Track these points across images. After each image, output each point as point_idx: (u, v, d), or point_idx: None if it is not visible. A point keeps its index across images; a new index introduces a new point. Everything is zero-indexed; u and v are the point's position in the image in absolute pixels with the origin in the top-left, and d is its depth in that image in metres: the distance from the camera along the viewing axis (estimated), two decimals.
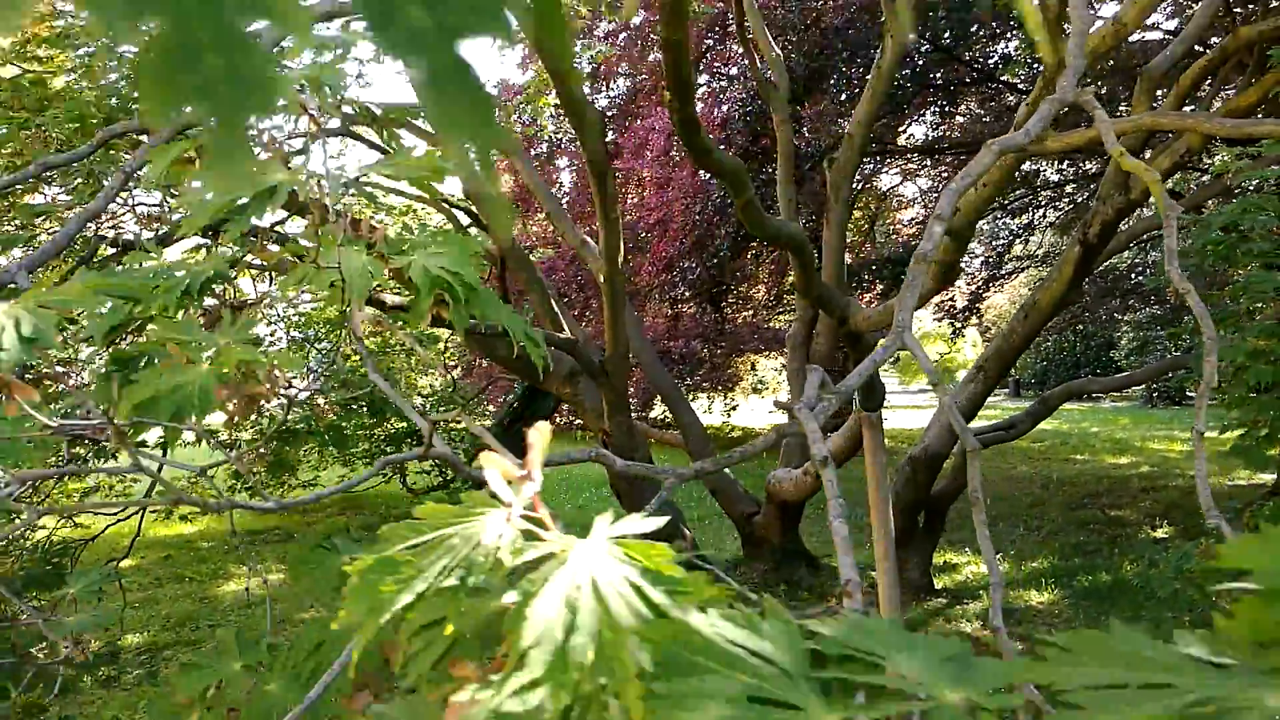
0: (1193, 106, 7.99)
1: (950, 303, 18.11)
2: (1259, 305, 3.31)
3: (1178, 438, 14.35)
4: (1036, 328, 5.89)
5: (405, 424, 10.91)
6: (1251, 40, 4.39)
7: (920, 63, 12.30)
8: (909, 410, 24.60)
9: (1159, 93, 5.40)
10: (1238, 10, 8.23)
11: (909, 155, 17.87)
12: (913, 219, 19.73)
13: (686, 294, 15.43)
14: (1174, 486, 11.82)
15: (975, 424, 7.09)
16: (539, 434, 0.87)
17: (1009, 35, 12.99)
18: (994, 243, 17.99)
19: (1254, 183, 5.89)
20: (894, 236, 19.79)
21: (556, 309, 7.62)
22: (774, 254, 17.02)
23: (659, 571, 0.75)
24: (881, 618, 0.78)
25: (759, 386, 24.55)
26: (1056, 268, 5.65)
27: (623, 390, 6.82)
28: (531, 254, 19.79)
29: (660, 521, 0.81)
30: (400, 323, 5.71)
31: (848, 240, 19.05)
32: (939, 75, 13.34)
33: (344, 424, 10.82)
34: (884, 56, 6.45)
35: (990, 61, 12.37)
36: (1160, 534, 8.98)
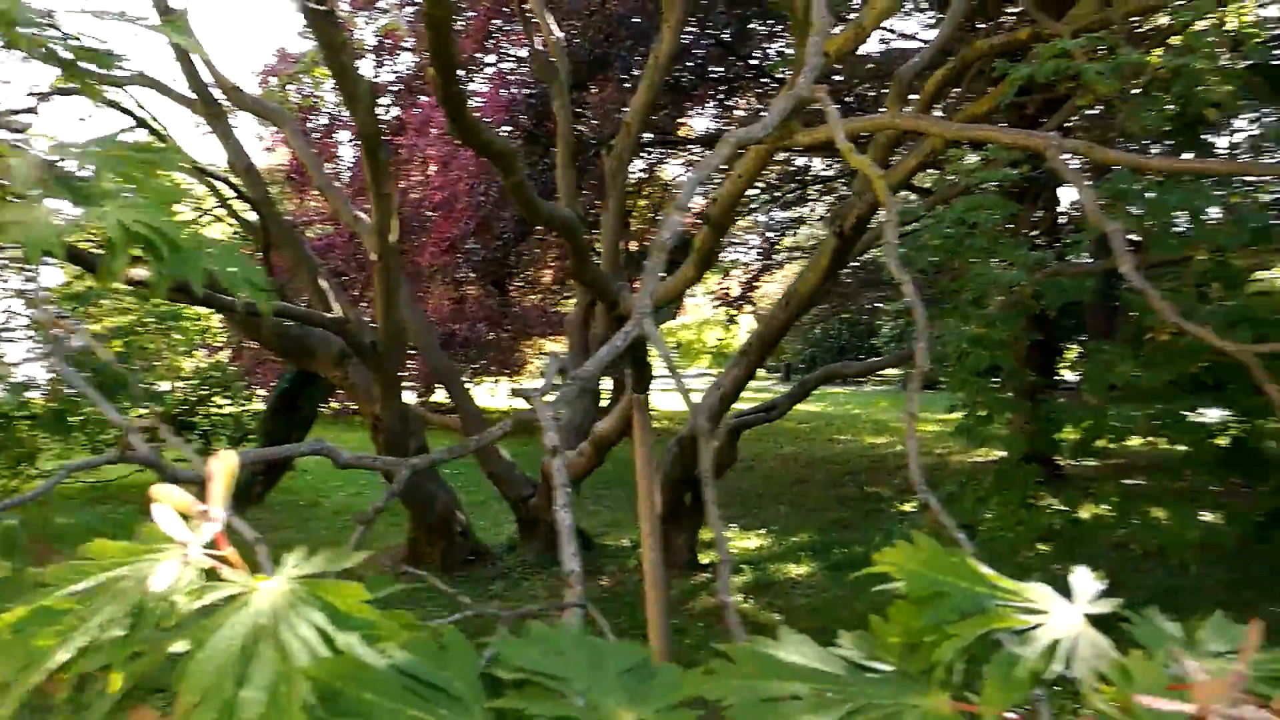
0: (941, 111, 8.58)
1: (726, 291, 18.80)
2: (982, 296, 3.63)
3: (929, 419, 15.54)
4: (795, 314, 6.18)
5: (168, 404, 10.14)
6: (984, 52, 4.76)
7: (701, 56, 12.63)
8: (691, 393, 25.32)
9: (914, 97, 5.78)
10: (981, 25, 8.95)
11: (690, 146, 18.32)
12: (694, 208, 20.24)
13: (471, 276, 15.18)
14: (924, 464, 12.77)
15: (740, 406, 7.37)
16: (222, 464, 0.80)
17: (784, 33, 13.58)
18: (767, 234, 18.78)
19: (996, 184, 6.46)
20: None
21: (326, 287, 7.29)
22: (560, 237, 17.05)
23: (349, 614, 0.70)
24: (568, 630, 0.75)
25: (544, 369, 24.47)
26: (814, 258, 5.95)
27: (395, 373, 6.62)
28: (307, 231, 18.90)
29: (358, 558, 0.76)
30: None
31: (633, 228, 19.43)
32: (719, 70, 13.75)
33: (68, 408, 9.93)
34: (660, 46, 6.55)
35: (767, 57, 12.85)
36: (909, 508, 9.69)
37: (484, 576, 7.15)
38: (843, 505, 10.31)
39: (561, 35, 7.21)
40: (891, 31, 12.65)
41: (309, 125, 17.17)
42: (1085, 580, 0.61)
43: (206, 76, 6.84)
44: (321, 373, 7.22)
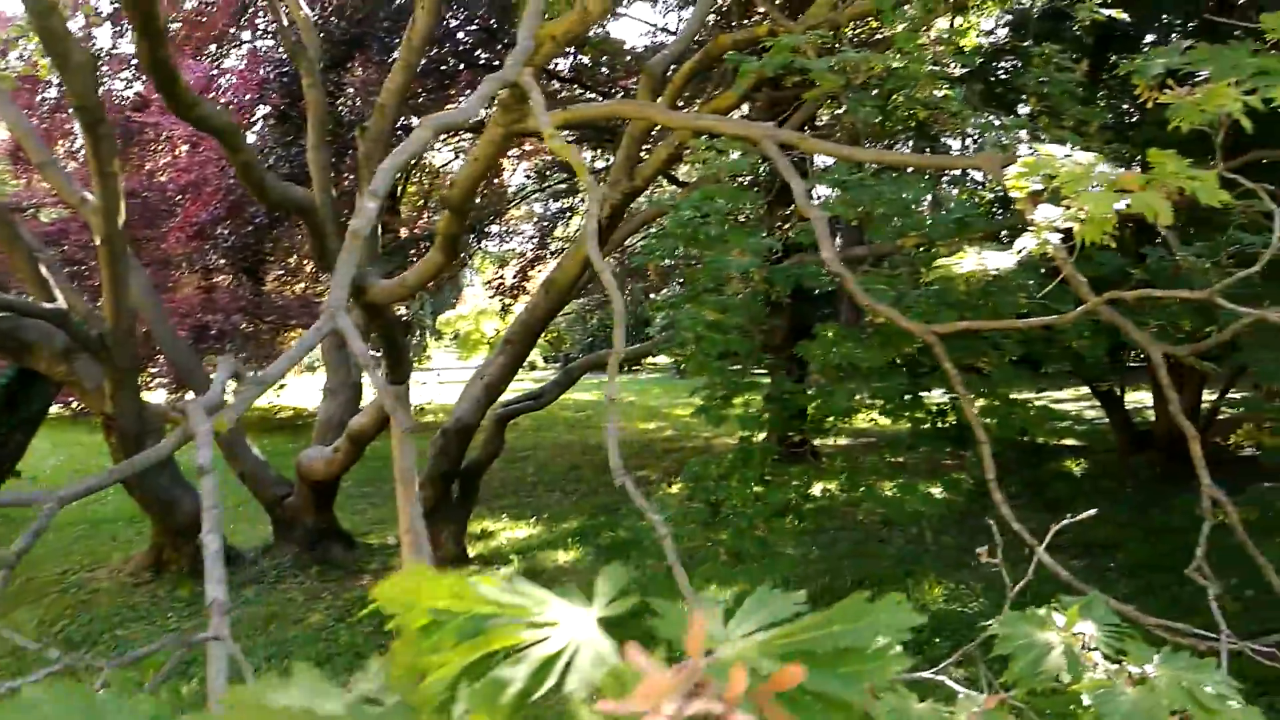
0: (685, 104, 8.86)
1: (501, 280, 18.71)
2: (721, 284, 3.79)
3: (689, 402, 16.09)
4: (557, 303, 6.21)
5: None
6: (727, 47, 4.95)
7: (466, 41, 12.44)
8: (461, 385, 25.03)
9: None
10: (733, 24, 9.30)
11: (461, 133, 18.05)
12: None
13: (221, 262, 14.29)
14: (691, 448, 13.20)
15: (507, 395, 7.34)
16: None
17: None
18: (540, 223, 18.85)
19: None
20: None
21: (48, 275, 6.65)
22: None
23: None
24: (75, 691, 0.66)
25: (313, 364, 23.59)
26: (573, 247, 6.01)
27: (128, 367, 6.13)
28: (39, 214, 17.16)
29: None
30: None
31: (403, 215, 18.91)
32: (486, 55, 13.60)
33: None
34: (414, 28, 6.39)
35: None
36: (674, 490, 9.98)
37: (234, 582, 6.74)
38: (612, 491, 10.48)
39: (309, 12, 6.89)
40: (654, 26, 12.89)
41: (37, 98, 15.64)
42: (613, 578, 0.61)
43: None
44: (43, 369, 6.57)
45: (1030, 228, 1.91)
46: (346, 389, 7.19)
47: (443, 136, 18.14)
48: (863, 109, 3.43)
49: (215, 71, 13.74)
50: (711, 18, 8.39)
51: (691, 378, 3.67)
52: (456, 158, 20.34)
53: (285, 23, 6.87)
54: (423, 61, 12.54)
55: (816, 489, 4.31)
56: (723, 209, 3.38)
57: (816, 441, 10.55)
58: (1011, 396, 3.82)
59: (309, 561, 7.09)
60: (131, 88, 16.95)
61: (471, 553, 7.51)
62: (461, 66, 12.88)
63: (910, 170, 3.87)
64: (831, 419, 3.92)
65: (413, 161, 19.13)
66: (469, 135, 18.27)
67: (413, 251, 18.24)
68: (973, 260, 1.98)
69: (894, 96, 3.61)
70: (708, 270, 3.36)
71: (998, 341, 3.48)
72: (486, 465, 7.39)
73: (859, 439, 12.99)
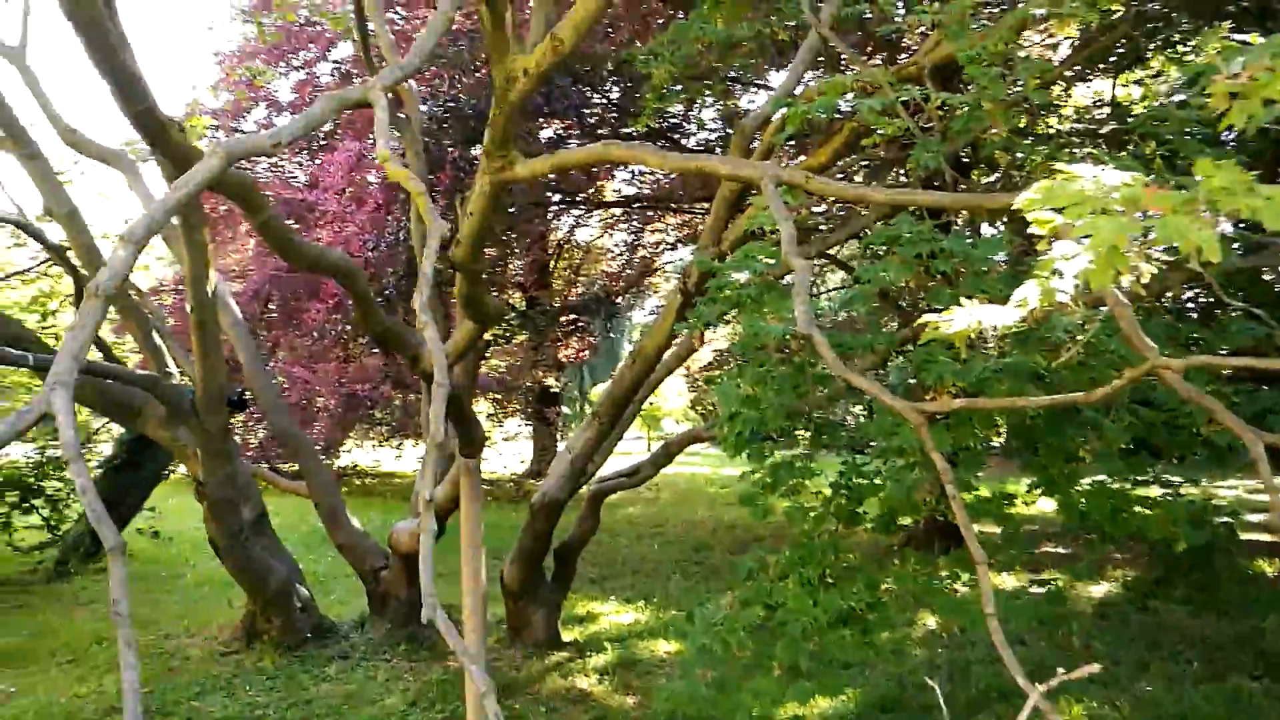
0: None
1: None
2: (759, 350, 3.38)
3: None
4: (643, 373, 5.86)
5: (6, 474, 9.47)
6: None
7: (593, 118, 12.47)
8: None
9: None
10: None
11: (613, 209, 18.18)
12: (611, 271, 20.05)
13: (357, 337, 14.69)
14: (768, 534, 12.35)
15: (602, 471, 6.99)
16: None
17: (688, 93, 13.50)
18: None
19: None
20: (592, 281, 20.05)
21: (161, 343, 6.84)
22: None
23: None
24: None
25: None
26: (661, 315, 5.66)
27: (219, 433, 6.14)
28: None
29: None
30: None
31: (555, 286, 19.15)
32: (629, 130, 13.62)
33: None
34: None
35: (667, 122, 12.68)
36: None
37: (322, 656, 6.60)
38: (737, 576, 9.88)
39: (414, 85, 6.93)
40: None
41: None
42: None
43: (33, 116, 6.46)
44: (150, 434, 6.70)
45: (1040, 273, 1.41)
46: (443, 461, 7.02)
47: (591, 210, 18.33)
48: (926, 154, 2.95)
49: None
50: (811, 77, 7.98)
51: (732, 459, 3.20)
52: (604, 233, 20.55)
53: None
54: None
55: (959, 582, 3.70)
56: (761, 269, 2.95)
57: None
58: (1127, 490, 3.16)
59: (400, 639, 6.88)
60: (303, 168, 18.05)
61: (566, 637, 7.12)
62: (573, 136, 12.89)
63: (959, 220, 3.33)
64: (904, 511, 3.35)
65: (561, 239, 19.44)
66: (619, 210, 18.42)
67: (562, 320, 18.40)
68: (965, 317, 1.49)
69: (966, 134, 3.11)
70: (745, 339, 2.93)
71: (1096, 423, 2.86)
72: (581, 544, 7.02)
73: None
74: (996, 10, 6.06)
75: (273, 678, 6.15)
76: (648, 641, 7.18)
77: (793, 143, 9.41)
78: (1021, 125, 3.34)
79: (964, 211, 3.05)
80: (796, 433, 3.53)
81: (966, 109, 2.97)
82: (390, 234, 12.58)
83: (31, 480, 9.52)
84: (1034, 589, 8.11)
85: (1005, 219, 3.55)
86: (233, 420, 9.59)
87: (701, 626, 3.64)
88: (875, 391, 1.72)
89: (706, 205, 16.39)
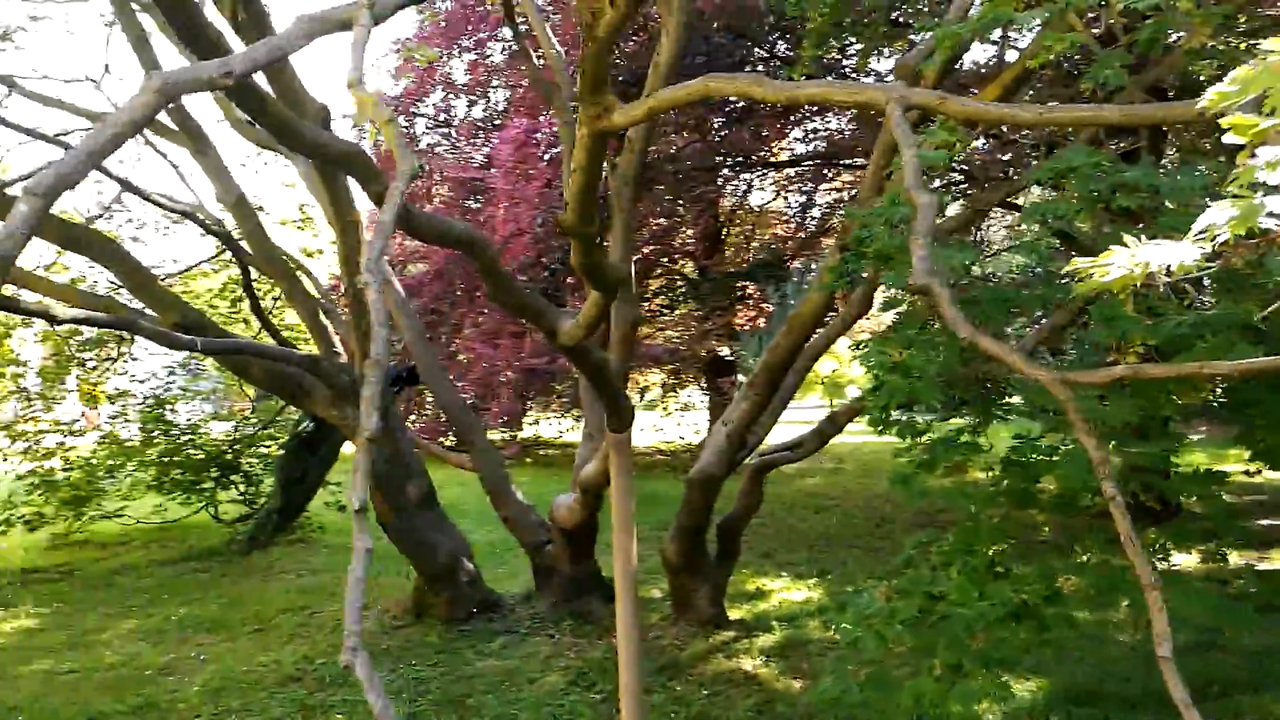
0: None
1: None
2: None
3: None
4: (800, 341, 5.48)
5: (210, 448, 10.11)
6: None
7: (769, 73, 11.98)
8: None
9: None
10: None
11: (774, 169, 17.63)
12: (784, 234, 19.47)
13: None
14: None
15: (769, 441, 6.67)
16: None
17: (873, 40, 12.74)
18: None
19: None
20: (765, 245, 19.53)
21: (327, 323, 7.01)
22: (634, 264, 16.58)
23: None
24: None
25: (651, 403, 24.26)
26: (818, 275, 5.27)
27: (380, 410, 6.21)
28: (407, 268, 19.08)
29: None
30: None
31: (726, 252, 18.80)
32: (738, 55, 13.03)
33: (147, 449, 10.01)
34: (660, 54, 6.02)
35: (835, 73, 12.05)
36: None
37: (487, 631, 6.63)
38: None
39: (561, 50, 6.75)
40: None
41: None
42: None
43: (206, 111, 6.73)
44: (319, 413, 6.90)
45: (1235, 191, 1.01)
46: (601, 434, 6.89)
47: (763, 172, 17.81)
48: (1106, 71, 2.46)
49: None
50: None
51: (879, 434, 2.83)
52: (778, 195, 19.96)
53: (538, 63, 6.80)
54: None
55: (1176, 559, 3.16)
56: (907, 215, 2.56)
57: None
58: None
59: (565, 614, 6.83)
60: (482, 150, 18.44)
61: (733, 615, 6.87)
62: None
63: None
64: (1083, 494, 2.88)
65: (734, 204, 19.00)
66: (792, 170, 17.82)
67: (741, 287, 18.06)
68: (1125, 259, 1.11)
69: (1156, 45, 2.57)
70: (889, 298, 2.56)
71: None
72: (744, 520, 6.74)
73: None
74: None
75: (439, 652, 6.22)
76: (820, 621, 6.83)
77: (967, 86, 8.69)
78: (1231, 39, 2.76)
79: (1142, 129, 2.53)
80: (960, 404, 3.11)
81: (1157, 12, 2.46)
82: (558, 207, 12.58)
83: (230, 457, 10.12)
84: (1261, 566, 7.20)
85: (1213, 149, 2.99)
86: (400, 396, 9.86)
87: (853, 617, 3.29)
88: (1010, 359, 1.36)
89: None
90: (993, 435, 3.22)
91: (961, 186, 11.16)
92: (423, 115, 19.30)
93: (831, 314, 7.00)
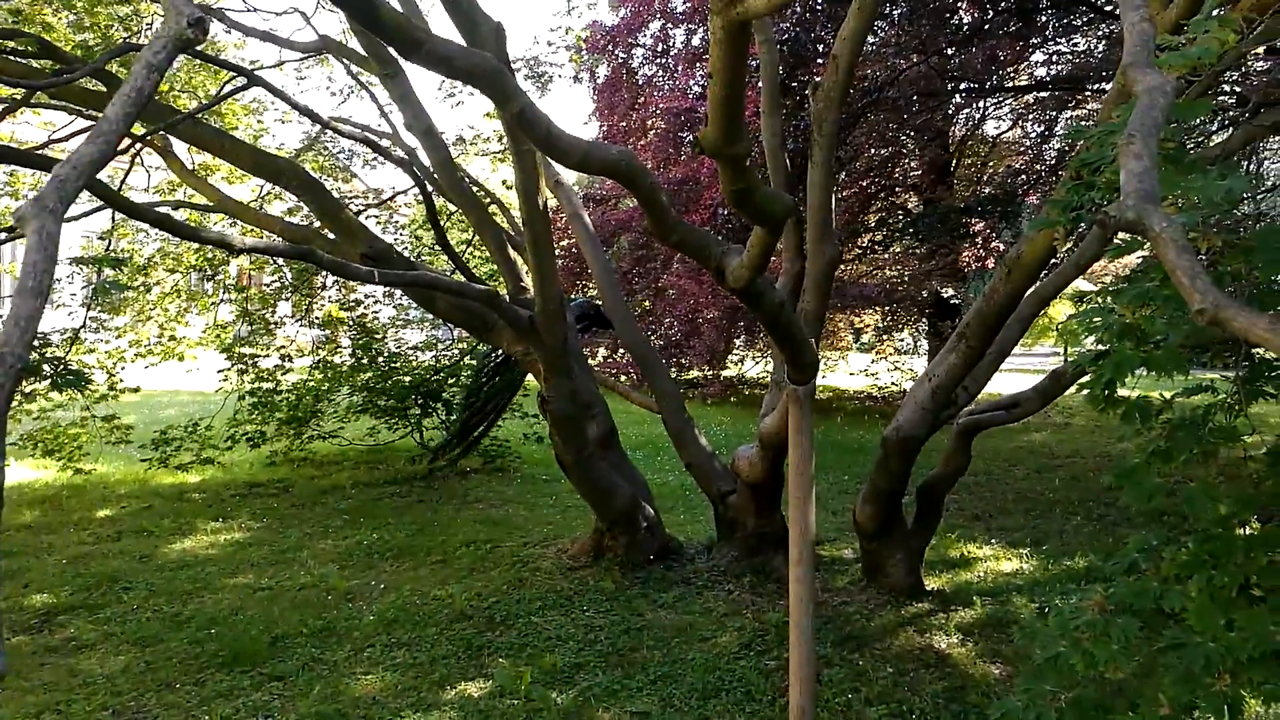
0: None
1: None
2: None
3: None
4: (1022, 286, 4.75)
5: (415, 377, 10.38)
6: None
7: None
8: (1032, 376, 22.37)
9: None
10: None
11: (1024, 95, 16.09)
12: (1021, 166, 17.85)
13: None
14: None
15: (987, 392, 5.95)
16: None
17: None
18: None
19: None
20: (1000, 179, 17.99)
21: (515, 257, 6.87)
22: (848, 197, 15.70)
23: None
24: None
25: (866, 346, 23.41)
26: (1044, 214, 4.50)
27: (558, 348, 6.01)
28: (617, 204, 19.07)
29: None
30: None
31: (955, 186, 17.49)
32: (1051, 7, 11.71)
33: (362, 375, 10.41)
34: None
35: None
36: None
37: (665, 579, 6.37)
38: (1142, 523, 8.27)
39: None
40: None
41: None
42: None
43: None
44: (505, 348, 6.80)
45: None
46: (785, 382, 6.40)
47: (998, 98, 16.27)
48: None
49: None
50: None
51: (1102, 414, 2.22)
52: (1015, 124, 18.32)
53: None
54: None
55: None
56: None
57: None
58: None
59: (746, 569, 6.47)
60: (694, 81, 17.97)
61: (930, 585, 6.27)
62: (1014, 20, 11.22)
63: None
64: None
65: (965, 133, 17.55)
66: (1031, 97, 16.21)
67: (963, 222, 16.78)
68: None
69: None
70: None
71: None
72: (949, 483, 6.08)
73: None
74: None
75: (612, 599, 6.01)
76: (1025, 599, 6.12)
77: None
78: None
79: None
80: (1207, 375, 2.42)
81: None
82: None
83: (435, 385, 10.36)
84: None
85: None
86: (589, 335, 9.70)
87: (1058, 627, 2.71)
88: (1264, 336, 0.83)
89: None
90: (1256, 417, 2.52)
91: (1232, 111, 9.62)
92: (641, 45, 19.01)
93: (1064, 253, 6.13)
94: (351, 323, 10.99)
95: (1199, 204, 1.88)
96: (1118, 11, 10.12)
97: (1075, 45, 14.29)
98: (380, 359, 10.39)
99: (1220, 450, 2.36)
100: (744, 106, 2.43)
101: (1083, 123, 14.95)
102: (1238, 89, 10.03)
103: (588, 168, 3.11)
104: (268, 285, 11.09)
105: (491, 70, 2.78)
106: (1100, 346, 2.11)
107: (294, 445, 10.55)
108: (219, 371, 10.45)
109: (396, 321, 11.62)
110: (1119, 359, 1.99)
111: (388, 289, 11.01)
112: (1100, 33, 13.01)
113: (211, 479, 9.90)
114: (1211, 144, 9.15)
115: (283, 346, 10.63)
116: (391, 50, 6.49)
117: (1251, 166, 11.29)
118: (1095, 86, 13.63)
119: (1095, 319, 2.16)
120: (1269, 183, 11.93)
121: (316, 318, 11.25)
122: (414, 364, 10.67)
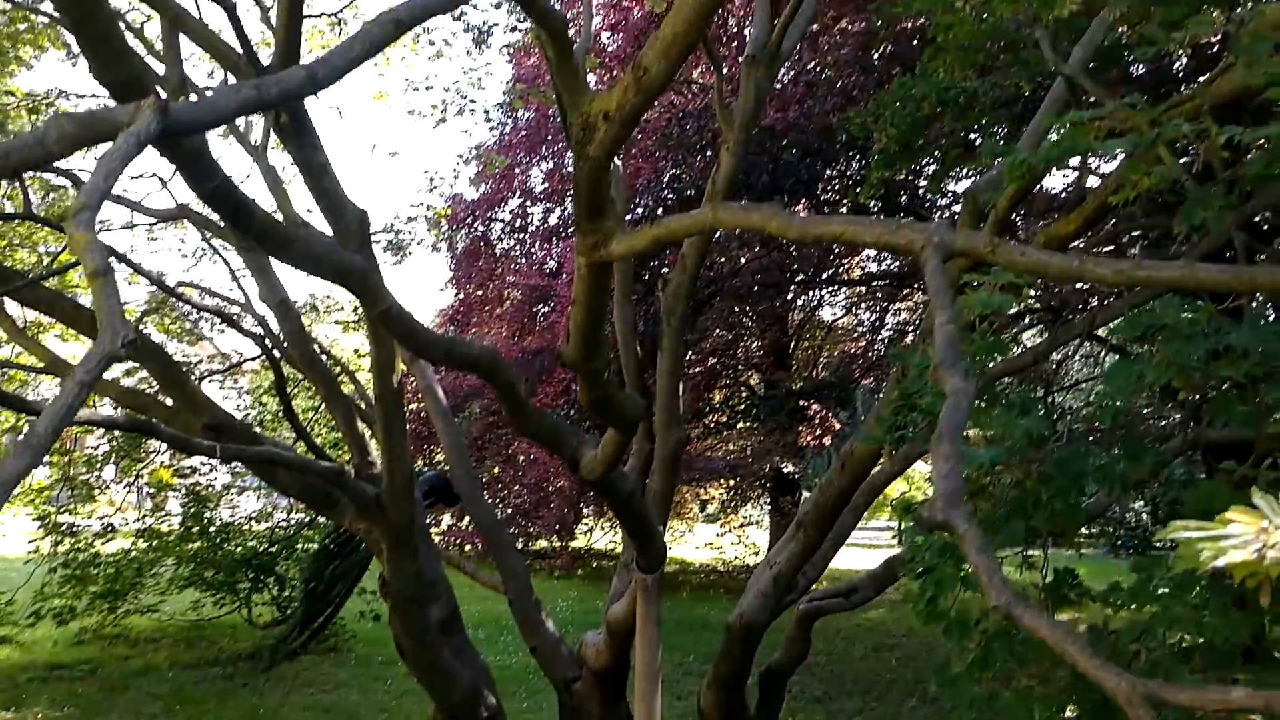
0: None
1: None
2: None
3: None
4: (854, 482, 5.03)
5: (246, 549, 9.88)
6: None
7: (836, 190, 11.77)
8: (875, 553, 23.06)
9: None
10: None
11: (845, 287, 17.34)
12: (855, 351, 19.03)
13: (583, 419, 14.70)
14: None
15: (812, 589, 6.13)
16: None
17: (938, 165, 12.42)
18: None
19: None
20: (835, 363, 19.07)
21: (363, 429, 6.75)
22: (695, 375, 16.28)
23: None
24: None
25: (711, 516, 23.75)
26: (874, 412, 4.85)
27: (405, 528, 5.88)
28: None
29: None
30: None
31: (793, 368, 18.39)
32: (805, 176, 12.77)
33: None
34: (718, 171, 5.80)
35: (907, 193, 11.77)
36: None
37: None
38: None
39: (618, 162, 6.57)
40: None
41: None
42: None
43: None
44: (347, 526, 6.59)
45: None
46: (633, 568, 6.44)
47: (833, 288, 17.48)
48: (1202, 211, 2.07)
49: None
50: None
51: (925, 625, 2.37)
52: (849, 311, 19.62)
53: None
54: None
55: None
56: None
57: None
58: None
59: None
60: (551, 257, 18.55)
61: None
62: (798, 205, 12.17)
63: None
64: None
65: (802, 317, 18.66)
66: (862, 288, 17.47)
67: (801, 404, 17.54)
68: (1246, 535, 0.72)
69: (1265, 184, 2.18)
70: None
71: None
72: (791, 669, 6.17)
73: None
74: None
75: None
76: None
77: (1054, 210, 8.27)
78: None
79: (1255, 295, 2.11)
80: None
81: (1267, 145, 2.09)
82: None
83: (267, 558, 9.87)
84: None
85: None
86: (437, 513, 9.54)
87: None
88: (1082, 663, 0.96)
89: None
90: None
91: (1036, 314, 10.65)
92: (499, 220, 19.57)
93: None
94: (183, 489, 10.45)
95: (1004, 439, 2.12)
96: (934, 218, 11.11)
97: None
98: (211, 528, 9.86)
99: (1031, 659, 2.54)
100: (604, 329, 2.60)
101: (906, 332, 16.19)
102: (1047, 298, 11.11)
103: (450, 363, 3.19)
104: (93, 448, 10.49)
105: (359, 271, 2.87)
106: (921, 561, 2.28)
107: (107, 621, 9.73)
108: (30, 541, 9.66)
109: (231, 489, 11.11)
110: (939, 577, 2.16)
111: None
112: None
113: (6, 660, 8.99)
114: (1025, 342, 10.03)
115: (105, 516, 9.96)
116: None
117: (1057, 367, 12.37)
118: (919, 283, 14.86)
119: (919, 539, 2.34)
120: (1070, 380, 13.09)
121: (145, 482, 10.64)
122: (248, 534, 10.16)
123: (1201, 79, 5.53)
